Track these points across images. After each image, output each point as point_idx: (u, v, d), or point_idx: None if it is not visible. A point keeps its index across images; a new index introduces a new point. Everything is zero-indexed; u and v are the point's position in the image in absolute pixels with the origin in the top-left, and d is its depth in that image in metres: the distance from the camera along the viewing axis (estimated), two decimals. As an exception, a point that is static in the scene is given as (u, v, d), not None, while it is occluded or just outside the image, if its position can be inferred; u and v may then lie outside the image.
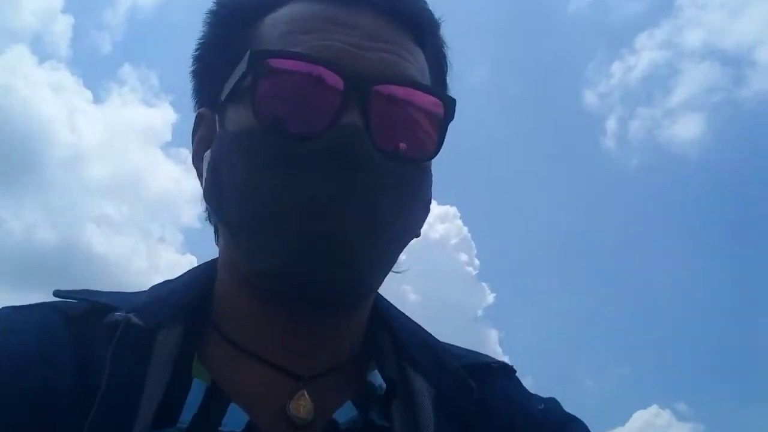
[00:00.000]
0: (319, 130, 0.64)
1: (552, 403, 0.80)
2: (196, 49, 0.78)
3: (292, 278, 0.65)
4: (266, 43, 0.69)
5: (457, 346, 0.82)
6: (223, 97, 0.71)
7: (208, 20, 0.77)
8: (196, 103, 0.79)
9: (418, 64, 0.71)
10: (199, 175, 0.75)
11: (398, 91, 0.67)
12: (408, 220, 0.70)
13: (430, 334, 0.80)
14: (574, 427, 0.79)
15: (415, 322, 0.81)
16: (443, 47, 0.79)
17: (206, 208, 0.78)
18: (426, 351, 0.76)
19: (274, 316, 0.70)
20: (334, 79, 0.64)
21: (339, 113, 0.64)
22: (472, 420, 0.72)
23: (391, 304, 0.81)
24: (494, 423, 0.74)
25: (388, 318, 0.78)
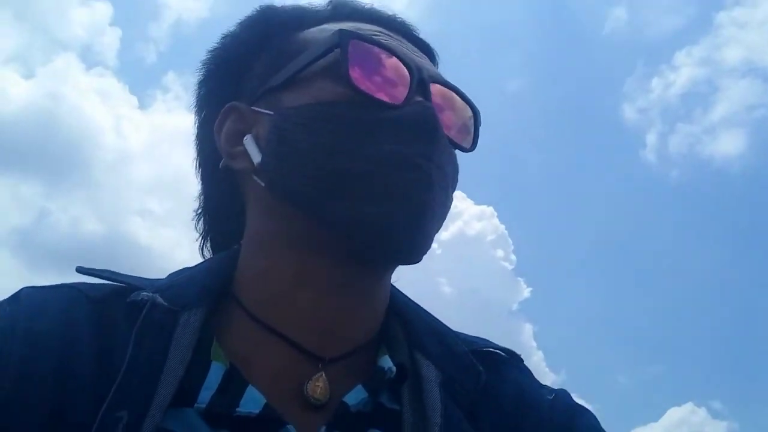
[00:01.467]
0: (399, 103, 0.71)
1: (561, 394, 0.81)
2: (221, 54, 0.83)
3: (388, 224, 0.68)
4: (319, 44, 0.75)
5: (467, 334, 0.83)
6: (273, 84, 0.76)
7: (246, 23, 0.83)
8: (214, 101, 0.81)
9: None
10: (229, 163, 0.78)
11: (447, 91, 0.78)
12: (448, 207, 0.76)
13: (441, 322, 0.82)
14: (583, 417, 0.79)
15: (427, 311, 0.83)
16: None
17: (195, 216, 0.86)
18: (435, 337, 0.78)
19: (310, 284, 0.72)
20: (403, 70, 0.73)
21: (411, 95, 0.72)
22: (479, 405, 0.73)
23: (404, 294, 0.83)
24: (502, 409, 0.75)
25: (401, 306, 0.80)
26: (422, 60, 0.78)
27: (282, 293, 0.73)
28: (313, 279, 0.72)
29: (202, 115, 0.84)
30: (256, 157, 0.74)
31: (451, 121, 0.77)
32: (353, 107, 0.70)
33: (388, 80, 0.72)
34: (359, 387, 0.71)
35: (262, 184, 0.73)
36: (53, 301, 0.71)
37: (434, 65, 0.83)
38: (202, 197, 0.87)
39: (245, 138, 0.75)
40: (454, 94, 0.78)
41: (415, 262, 0.73)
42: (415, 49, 0.80)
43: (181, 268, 0.79)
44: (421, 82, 0.73)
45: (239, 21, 0.83)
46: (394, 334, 0.77)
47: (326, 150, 0.69)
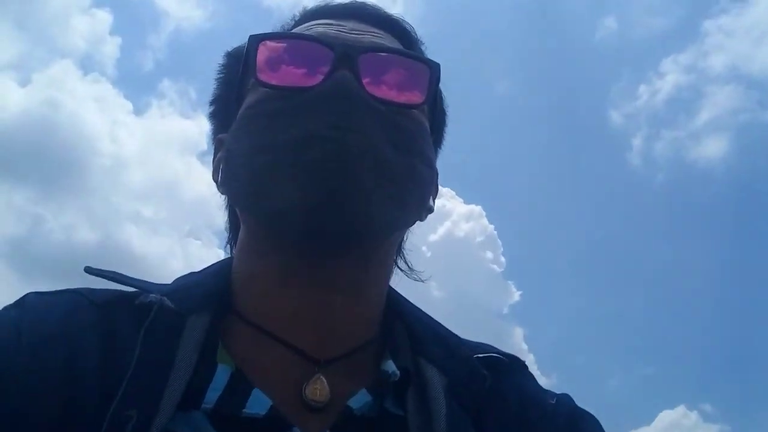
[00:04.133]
0: (315, 84, 0.71)
1: (565, 398, 0.81)
2: (213, 96, 0.87)
3: (301, 208, 0.67)
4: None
5: (470, 340, 0.83)
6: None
7: (221, 67, 0.88)
8: (213, 138, 0.86)
9: (399, 45, 0.81)
10: (218, 189, 0.82)
11: (382, 56, 0.75)
12: (411, 168, 0.72)
13: (444, 326, 0.82)
14: (586, 421, 0.79)
15: (430, 315, 0.83)
16: (421, 45, 0.87)
17: (226, 226, 0.88)
18: (439, 341, 0.78)
19: (291, 282, 0.72)
20: (324, 51, 0.72)
21: (333, 71, 0.71)
22: (484, 410, 0.73)
23: (406, 298, 0.84)
24: (506, 414, 0.75)
25: (403, 310, 0.81)
26: (361, 36, 0.77)
27: (266, 296, 0.74)
28: (287, 279, 0.73)
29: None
30: (219, 177, 0.79)
31: (387, 82, 0.74)
32: (268, 102, 0.72)
33: (303, 67, 0.73)
34: (363, 391, 0.71)
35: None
36: (58, 305, 0.72)
37: (395, 39, 0.82)
38: (226, 214, 0.90)
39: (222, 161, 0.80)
40: (398, 56, 0.77)
41: (365, 240, 0.71)
42: (368, 28, 0.80)
43: (186, 273, 0.80)
44: (344, 56, 0.71)
45: (226, 53, 0.87)
46: (398, 339, 0.77)
47: (248, 150, 0.72)
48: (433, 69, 0.76)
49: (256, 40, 0.74)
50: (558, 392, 0.82)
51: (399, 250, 0.86)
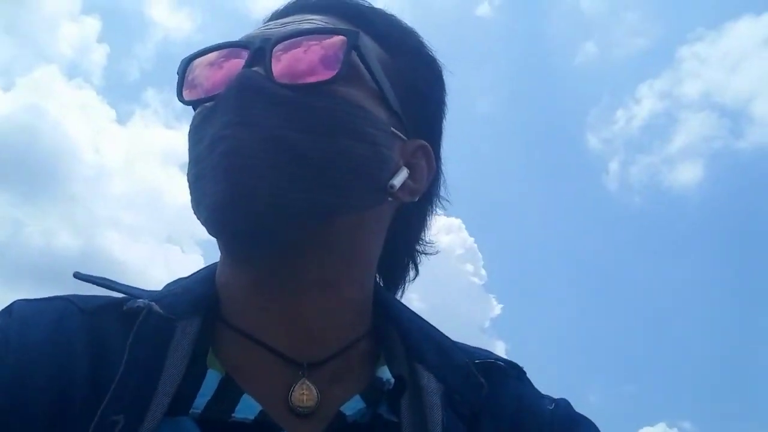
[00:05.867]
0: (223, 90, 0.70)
1: (563, 404, 0.80)
2: None
3: (212, 209, 0.67)
4: None
5: (467, 345, 0.82)
6: None
7: None
8: None
9: (326, 22, 0.76)
10: None
11: (295, 40, 0.71)
12: (334, 147, 0.68)
13: (439, 331, 0.81)
14: (583, 426, 0.79)
15: (424, 319, 0.82)
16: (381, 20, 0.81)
17: None
18: (435, 347, 0.77)
19: (257, 286, 0.71)
20: (243, 52, 0.72)
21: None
22: (480, 417, 0.72)
23: (399, 300, 0.83)
24: (503, 421, 0.74)
25: (396, 313, 0.79)
26: (285, 26, 0.74)
27: (243, 301, 0.73)
28: (253, 283, 0.72)
29: None
30: None
31: (295, 66, 0.70)
32: (196, 117, 0.73)
33: (224, 74, 0.72)
34: (357, 397, 0.70)
35: None
36: (46, 312, 0.71)
37: (344, 21, 0.76)
38: None
39: None
40: (308, 36, 0.72)
41: (280, 232, 0.67)
42: (307, 16, 0.76)
43: (175, 279, 0.79)
44: (258, 51, 0.70)
45: None
46: (392, 344, 0.76)
47: (189, 165, 0.72)
48: (350, 37, 0.71)
49: (185, 61, 0.76)
50: (556, 397, 0.81)
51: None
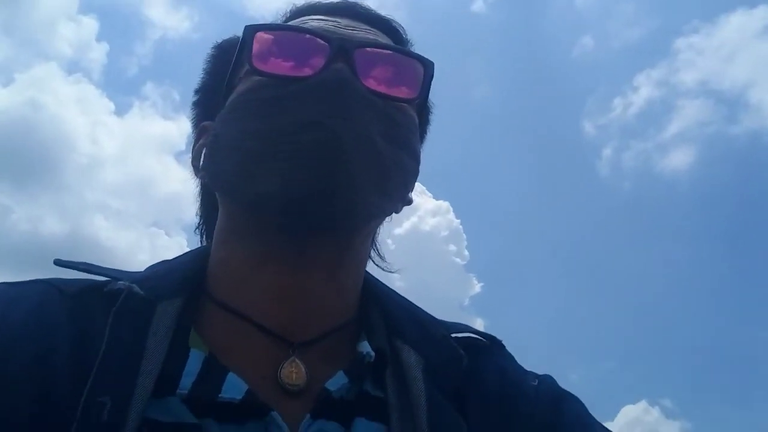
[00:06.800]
0: (310, 74, 0.72)
1: (547, 379, 0.81)
2: (198, 85, 0.89)
3: (289, 192, 0.68)
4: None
5: (446, 321, 0.83)
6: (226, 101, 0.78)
7: (209, 57, 0.89)
8: (196, 125, 0.87)
9: (386, 38, 0.83)
10: (196, 174, 0.84)
11: (377, 51, 0.77)
12: (399, 160, 0.75)
13: (420, 309, 0.83)
14: (569, 402, 0.80)
15: (405, 297, 0.84)
16: (411, 45, 0.89)
17: (197, 212, 0.90)
18: (414, 323, 0.78)
19: (269, 264, 0.72)
20: (321, 43, 0.74)
21: (329, 64, 0.72)
22: (463, 390, 0.73)
23: (382, 282, 0.84)
24: (487, 394, 0.75)
25: (379, 293, 0.81)
26: (355, 32, 0.79)
27: (242, 279, 0.74)
28: (265, 261, 0.73)
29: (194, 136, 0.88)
30: (202, 162, 0.80)
31: (382, 76, 0.75)
32: (261, 90, 0.73)
33: (299, 57, 0.74)
34: (340, 373, 0.71)
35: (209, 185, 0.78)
36: (27, 295, 0.71)
37: (387, 36, 0.84)
38: (198, 202, 0.91)
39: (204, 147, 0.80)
40: (393, 53, 0.78)
41: (347, 226, 0.73)
42: (361, 25, 0.81)
43: (159, 261, 0.80)
44: (340, 49, 0.73)
45: (215, 44, 0.89)
46: (373, 321, 0.78)
47: (239, 135, 0.73)
48: (427, 66, 0.79)
49: (252, 29, 0.76)
50: (540, 373, 0.82)
51: (373, 240, 0.87)
